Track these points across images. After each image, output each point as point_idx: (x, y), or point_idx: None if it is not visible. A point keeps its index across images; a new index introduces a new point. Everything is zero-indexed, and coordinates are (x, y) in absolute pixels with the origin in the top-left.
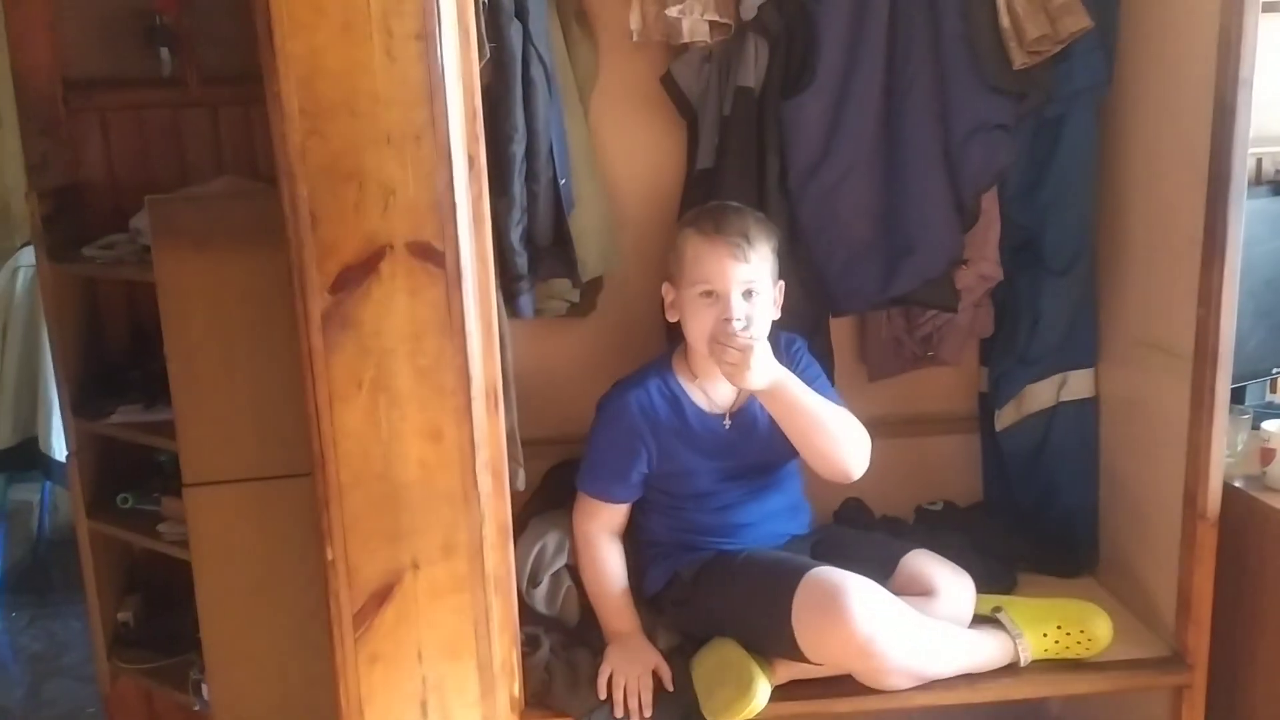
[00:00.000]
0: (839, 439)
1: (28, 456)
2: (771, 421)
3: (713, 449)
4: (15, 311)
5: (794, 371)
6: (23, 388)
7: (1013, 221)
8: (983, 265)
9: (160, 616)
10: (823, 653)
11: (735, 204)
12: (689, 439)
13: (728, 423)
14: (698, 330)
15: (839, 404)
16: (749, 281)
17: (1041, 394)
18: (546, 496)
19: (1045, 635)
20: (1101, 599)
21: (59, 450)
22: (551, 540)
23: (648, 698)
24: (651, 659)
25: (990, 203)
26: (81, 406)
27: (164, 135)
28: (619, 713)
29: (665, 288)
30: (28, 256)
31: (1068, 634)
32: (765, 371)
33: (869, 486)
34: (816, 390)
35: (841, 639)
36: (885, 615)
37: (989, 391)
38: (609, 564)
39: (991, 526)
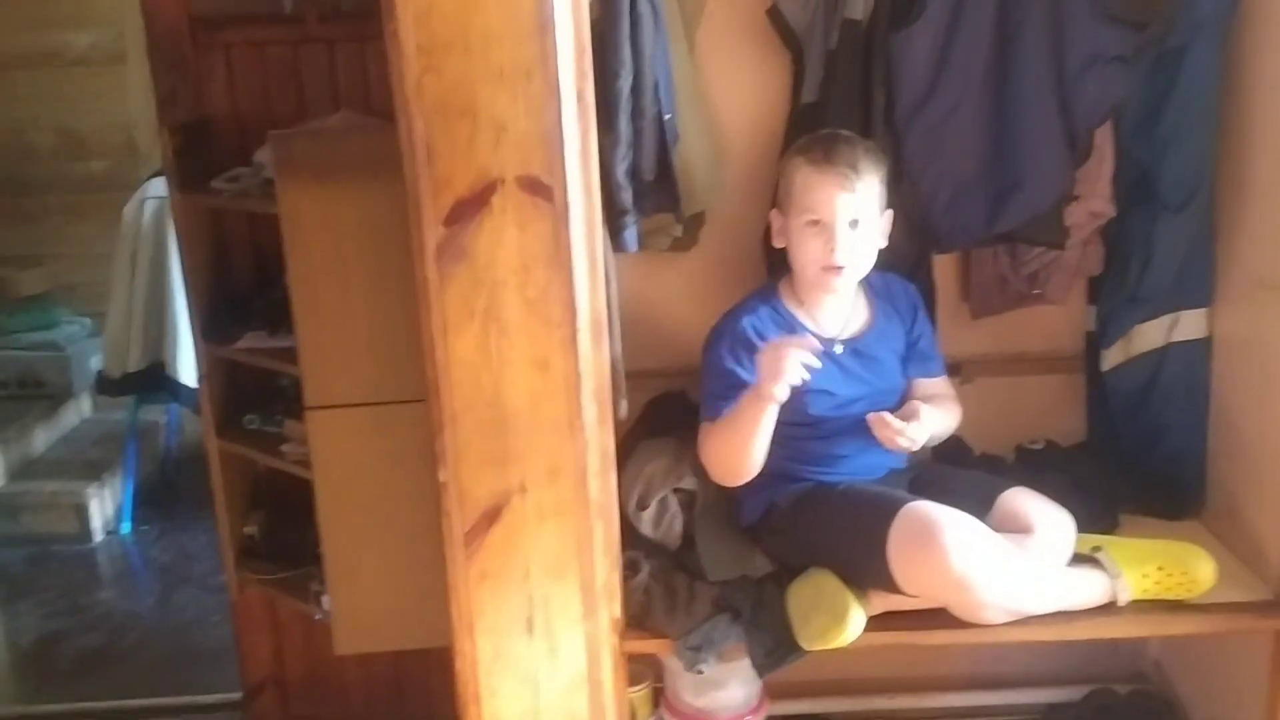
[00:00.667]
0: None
1: (156, 380)
2: (884, 353)
3: (823, 374)
4: (143, 242)
5: (911, 326)
6: (151, 315)
7: (1128, 156)
8: (1094, 201)
9: (283, 531)
10: (917, 586)
11: (846, 133)
12: None
13: (840, 349)
14: (805, 258)
15: (941, 374)
16: (855, 212)
17: (1151, 334)
18: (649, 426)
19: (1145, 576)
20: (1206, 542)
21: (185, 374)
22: (660, 465)
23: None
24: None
25: (1104, 137)
26: (210, 332)
27: (284, 71)
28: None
29: (773, 214)
30: (155, 188)
31: (1169, 574)
32: (918, 445)
33: (969, 425)
34: (926, 357)
35: (937, 573)
36: (980, 550)
37: (1096, 330)
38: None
39: (1094, 466)
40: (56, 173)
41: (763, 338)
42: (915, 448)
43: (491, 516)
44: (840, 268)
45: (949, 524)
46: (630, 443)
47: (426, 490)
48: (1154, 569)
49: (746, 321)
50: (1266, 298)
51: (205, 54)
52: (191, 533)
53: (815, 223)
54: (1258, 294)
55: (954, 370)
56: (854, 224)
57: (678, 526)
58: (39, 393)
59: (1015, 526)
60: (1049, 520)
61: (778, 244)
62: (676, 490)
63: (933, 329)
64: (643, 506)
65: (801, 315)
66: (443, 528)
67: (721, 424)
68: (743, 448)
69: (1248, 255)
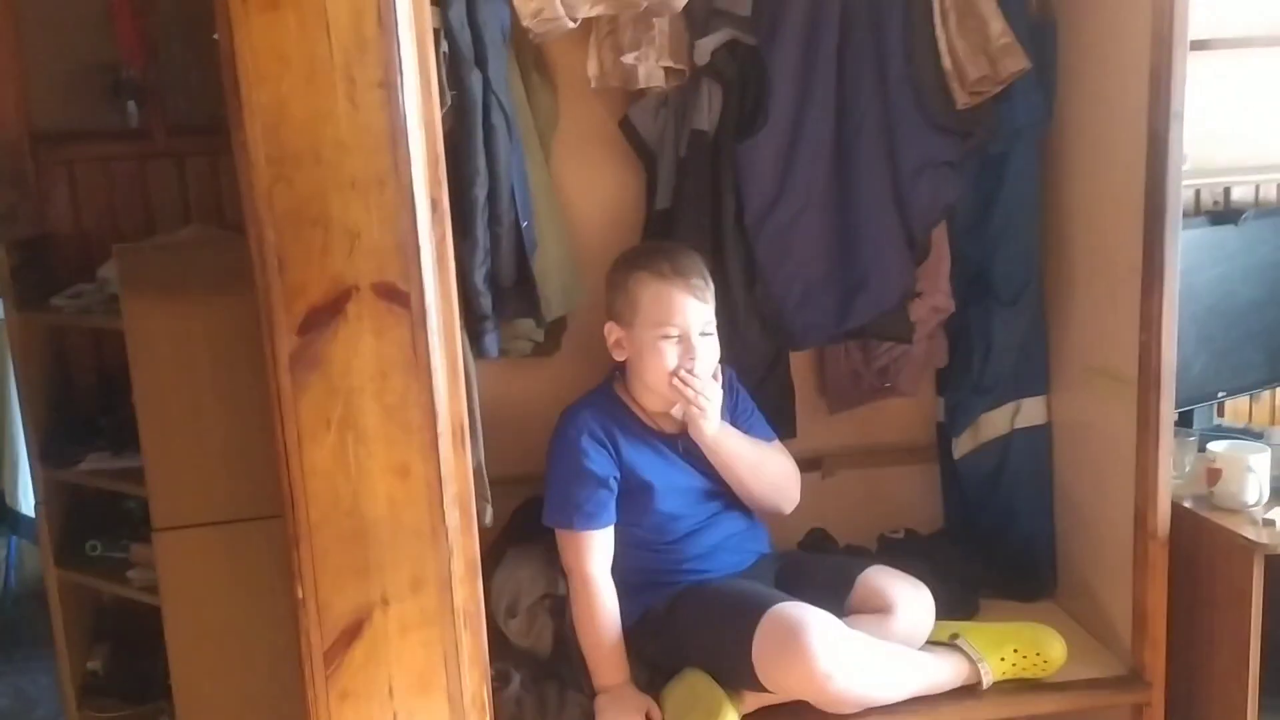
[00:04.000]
0: (773, 484)
1: None
2: None
3: (668, 471)
4: None
5: (732, 404)
6: None
7: (963, 254)
8: (935, 297)
9: (130, 664)
10: (783, 686)
11: (672, 244)
12: (646, 446)
13: (680, 445)
14: (658, 371)
15: (771, 439)
16: (707, 322)
17: (997, 421)
18: (514, 534)
19: (1003, 659)
20: (1061, 621)
21: (25, 504)
22: (529, 572)
23: None
24: (643, 706)
25: (940, 237)
26: (49, 455)
27: (131, 186)
28: None
29: (609, 327)
30: None
31: (1024, 656)
32: (715, 420)
33: (832, 516)
34: (752, 425)
35: (801, 675)
36: (844, 651)
37: (946, 420)
38: (609, 612)
39: (953, 553)
40: None
41: (605, 427)
42: (709, 428)
43: (352, 632)
44: (696, 376)
45: (813, 627)
46: (498, 549)
47: (283, 612)
48: (1010, 651)
49: (587, 414)
50: (1096, 383)
51: (47, 170)
52: (30, 674)
53: (669, 335)
54: (1089, 380)
55: (815, 464)
56: (704, 334)
57: (548, 634)
58: None
59: (876, 605)
60: (908, 597)
61: (618, 357)
62: (546, 596)
63: (761, 416)
64: (512, 614)
65: (638, 412)
66: (301, 647)
67: (586, 628)
68: (585, 646)
69: (1077, 344)
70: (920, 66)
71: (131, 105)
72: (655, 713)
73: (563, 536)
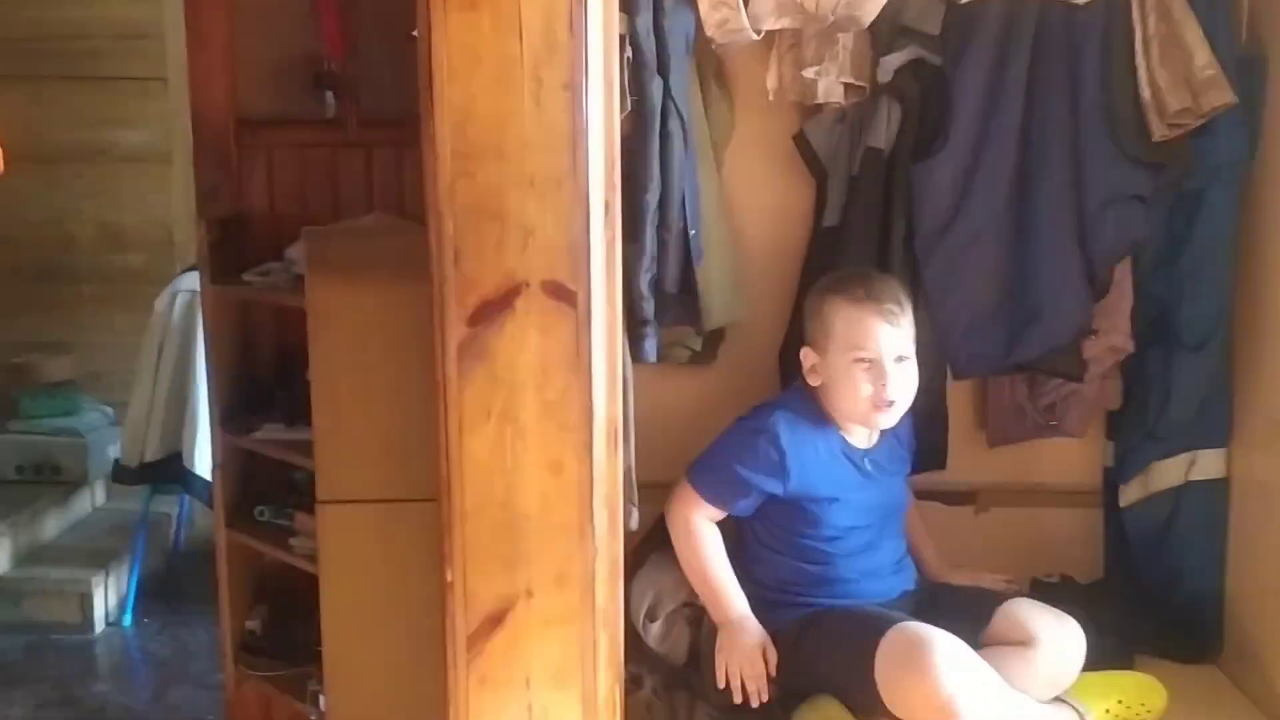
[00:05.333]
0: None
1: (171, 470)
2: (895, 465)
3: (849, 482)
4: (171, 333)
5: (898, 448)
6: (172, 406)
7: (1147, 294)
8: (1113, 336)
9: (286, 627)
10: (907, 709)
11: (875, 270)
12: (834, 458)
13: (868, 465)
14: (853, 395)
15: (910, 501)
16: (901, 347)
17: (1170, 472)
18: (657, 542)
19: (1108, 711)
20: (1224, 688)
21: (200, 466)
22: (672, 578)
23: (762, 684)
24: (760, 633)
25: (1123, 274)
26: (229, 422)
27: (322, 172)
28: (737, 699)
29: (805, 352)
30: (186, 282)
31: (1128, 707)
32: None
33: (982, 554)
34: (901, 472)
35: (923, 695)
36: (968, 676)
37: (1114, 466)
38: (715, 547)
39: (1111, 604)
40: (94, 264)
41: (795, 433)
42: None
43: (495, 620)
44: (892, 403)
45: (938, 645)
46: (642, 553)
47: (432, 593)
48: (1114, 702)
49: (780, 415)
50: None
51: (248, 153)
52: (192, 628)
53: (862, 360)
54: (1276, 437)
55: (967, 498)
56: (899, 359)
57: (685, 642)
58: (55, 479)
59: (1018, 637)
60: (1053, 630)
61: (814, 382)
62: (686, 604)
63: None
64: (651, 619)
65: (831, 424)
66: (446, 630)
67: (695, 566)
68: (698, 583)
69: (1266, 398)
70: (1116, 95)
71: (329, 96)
72: (770, 652)
73: (688, 491)
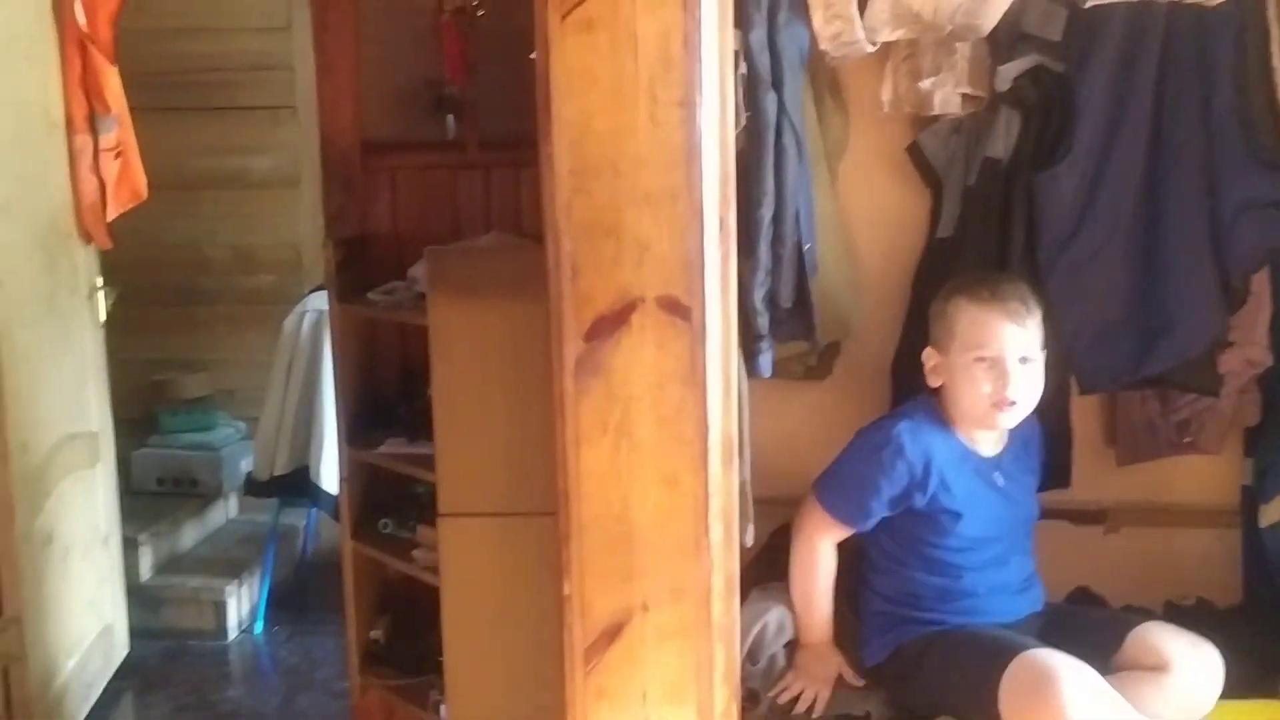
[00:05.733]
0: None
1: (299, 484)
2: (1024, 476)
3: (978, 492)
4: (299, 351)
5: (1025, 459)
6: (300, 421)
7: None
8: (1250, 349)
9: (408, 637)
10: None
11: (998, 273)
12: (963, 468)
13: (999, 478)
14: (974, 395)
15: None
16: (1025, 348)
17: None
18: (772, 558)
19: None
20: None
21: (327, 480)
22: (773, 619)
23: (820, 706)
24: (836, 668)
25: (1261, 283)
26: (354, 437)
27: (442, 193)
28: (801, 708)
29: (928, 353)
30: (314, 301)
31: None
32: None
33: (1111, 575)
34: (1030, 490)
35: None
36: (1098, 708)
37: (1254, 484)
38: (827, 575)
39: (1251, 630)
40: (227, 285)
41: (921, 445)
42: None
43: (612, 633)
44: (1013, 403)
45: (1066, 675)
46: (746, 583)
47: (550, 606)
48: None
49: (903, 426)
50: None
51: (372, 176)
52: (319, 637)
53: (984, 359)
54: None
55: (1095, 518)
56: (1023, 360)
57: None
58: (192, 491)
59: (1151, 662)
60: (1189, 655)
61: (934, 383)
62: (790, 644)
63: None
64: (753, 661)
65: (958, 433)
66: (564, 642)
67: (803, 586)
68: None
69: None
70: (1251, 98)
71: (450, 119)
72: (847, 671)
73: (816, 508)
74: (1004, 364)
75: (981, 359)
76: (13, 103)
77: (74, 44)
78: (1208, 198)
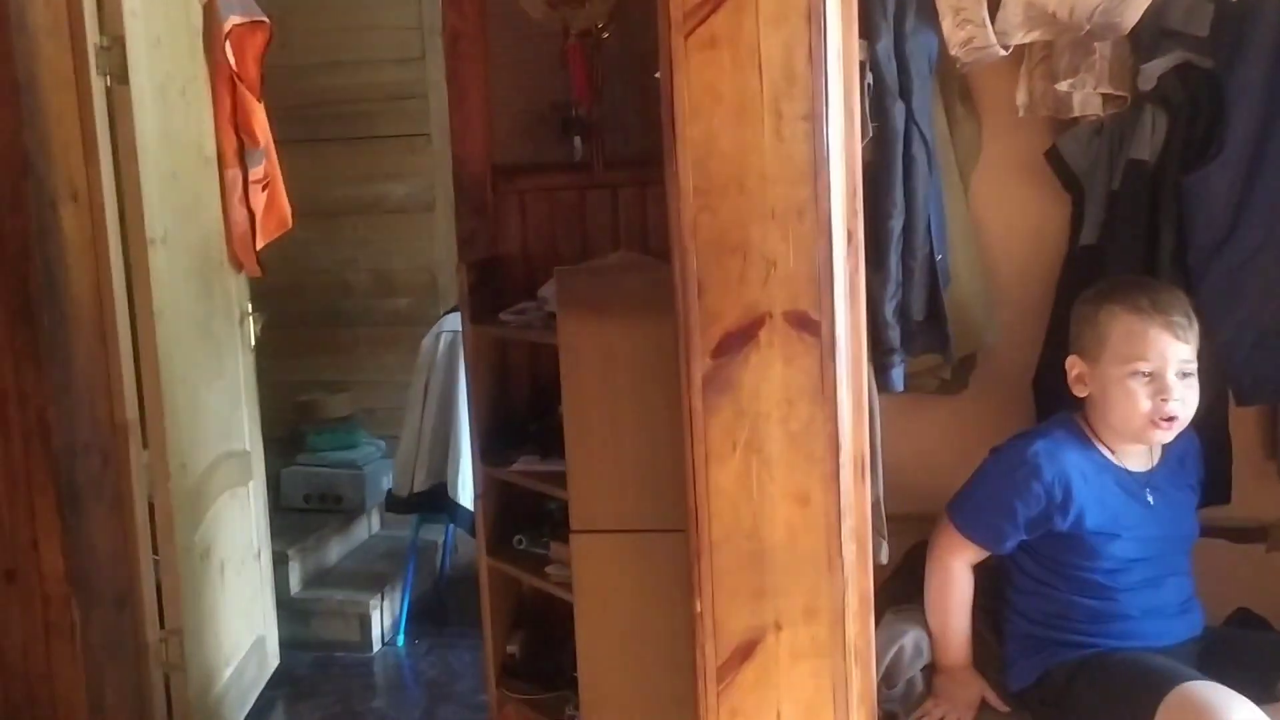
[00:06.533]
0: None
1: (437, 500)
2: (1180, 491)
3: (1132, 508)
4: (436, 371)
5: (1181, 473)
6: (437, 439)
7: None
8: None
9: (543, 652)
10: None
11: (1152, 279)
12: (1110, 486)
13: (1150, 497)
14: (1130, 409)
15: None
16: (1185, 362)
17: None
18: (907, 577)
19: None
20: None
21: (463, 496)
22: (909, 641)
23: None
24: (978, 692)
25: None
26: (488, 454)
27: (570, 214)
28: None
29: (1072, 360)
30: (449, 323)
31: None
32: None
33: (1273, 598)
34: (1187, 507)
35: None
36: None
37: None
38: (963, 597)
39: None
40: (367, 308)
41: (1057, 465)
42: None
43: (745, 652)
44: (1174, 418)
45: (1226, 711)
46: (881, 603)
47: (681, 623)
48: None
49: (1040, 446)
50: None
51: (503, 199)
52: (457, 650)
53: (1142, 373)
54: None
55: (1257, 535)
56: (1183, 374)
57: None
58: (337, 507)
59: None
60: None
61: (1080, 392)
62: (929, 667)
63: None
64: (889, 684)
65: (1103, 448)
66: (696, 660)
67: (938, 607)
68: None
69: None
70: None
71: (577, 141)
72: (991, 695)
73: (952, 534)
74: (1164, 378)
75: (1139, 373)
76: (170, 140)
77: (224, 82)
78: None
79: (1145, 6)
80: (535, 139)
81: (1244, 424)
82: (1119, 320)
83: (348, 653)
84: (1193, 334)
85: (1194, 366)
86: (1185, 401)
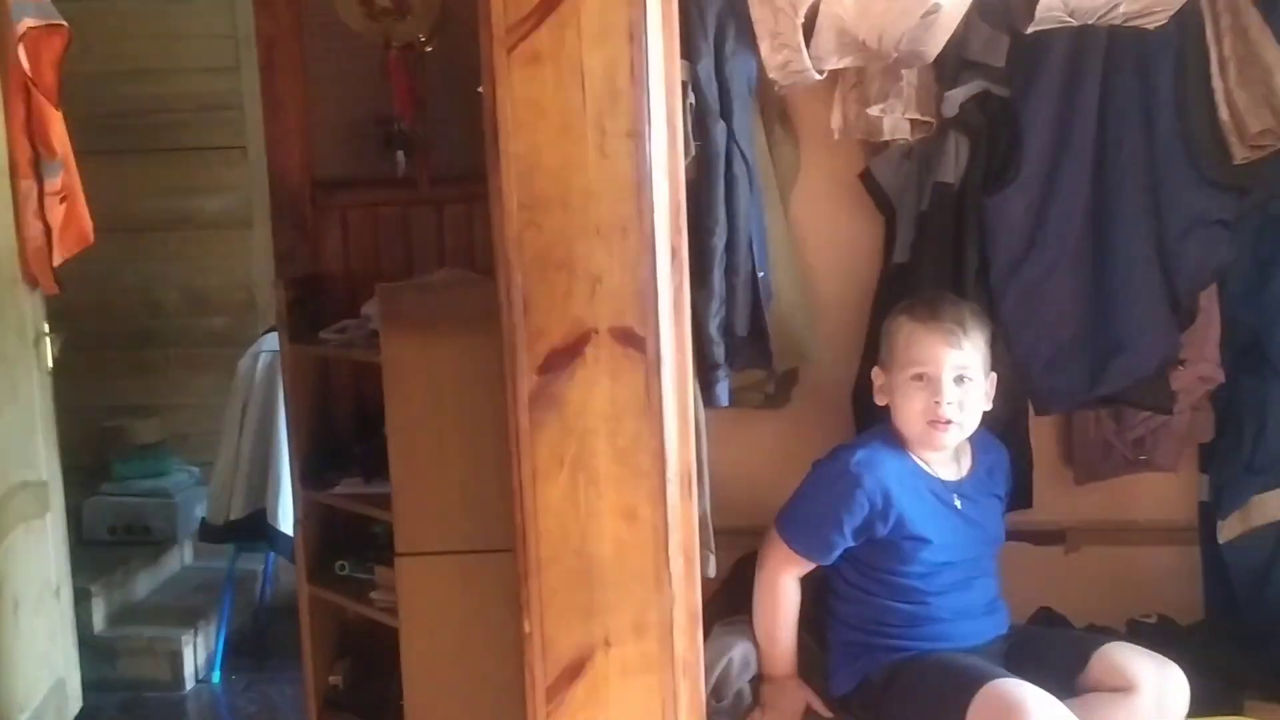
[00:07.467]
0: None
1: (256, 528)
2: (988, 499)
3: (943, 514)
4: (254, 393)
5: (989, 483)
6: (255, 464)
7: (1235, 321)
8: (1201, 366)
9: (368, 681)
10: None
11: (951, 294)
12: (923, 493)
13: (958, 502)
14: (910, 412)
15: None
16: (962, 368)
17: (1270, 505)
18: (735, 590)
19: None
20: None
21: (284, 523)
22: (738, 654)
23: None
24: (803, 700)
25: (1210, 301)
26: (309, 478)
27: (394, 230)
28: None
29: (875, 372)
30: (267, 343)
31: None
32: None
33: (1073, 595)
34: (994, 514)
35: None
36: None
37: (1211, 500)
38: (791, 610)
39: (1215, 646)
40: (179, 328)
41: (877, 475)
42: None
43: (575, 671)
44: (947, 421)
45: (1032, 709)
46: (709, 617)
47: (511, 644)
48: None
49: (859, 456)
50: None
51: (324, 215)
52: (278, 684)
53: (920, 377)
54: None
55: (1056, 538)
56: (959, 380)
57: None
58: (145, 539)
59: (1116, 683)
60: (1154, 675)
61: (880, 401)
62: (753, 680)
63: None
64: (718, 698)
65: (915, 458)
66: (525, 681)
67: (765, 621)
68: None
69: None
70: (1193, 119)
71: (400, 155)
72: (816, 702)
73: (778, 543)
74: (939, 382)
75: (918, 376)
76: None
77: (18, 89)
78: (1154, 218)
79: (947, 37)
80: (357, 153)
81: (1043, 433)
82: (904, 329)
83: (158, 692)
84: (969, 343)
85: (975, 374)
86: (962, 406)
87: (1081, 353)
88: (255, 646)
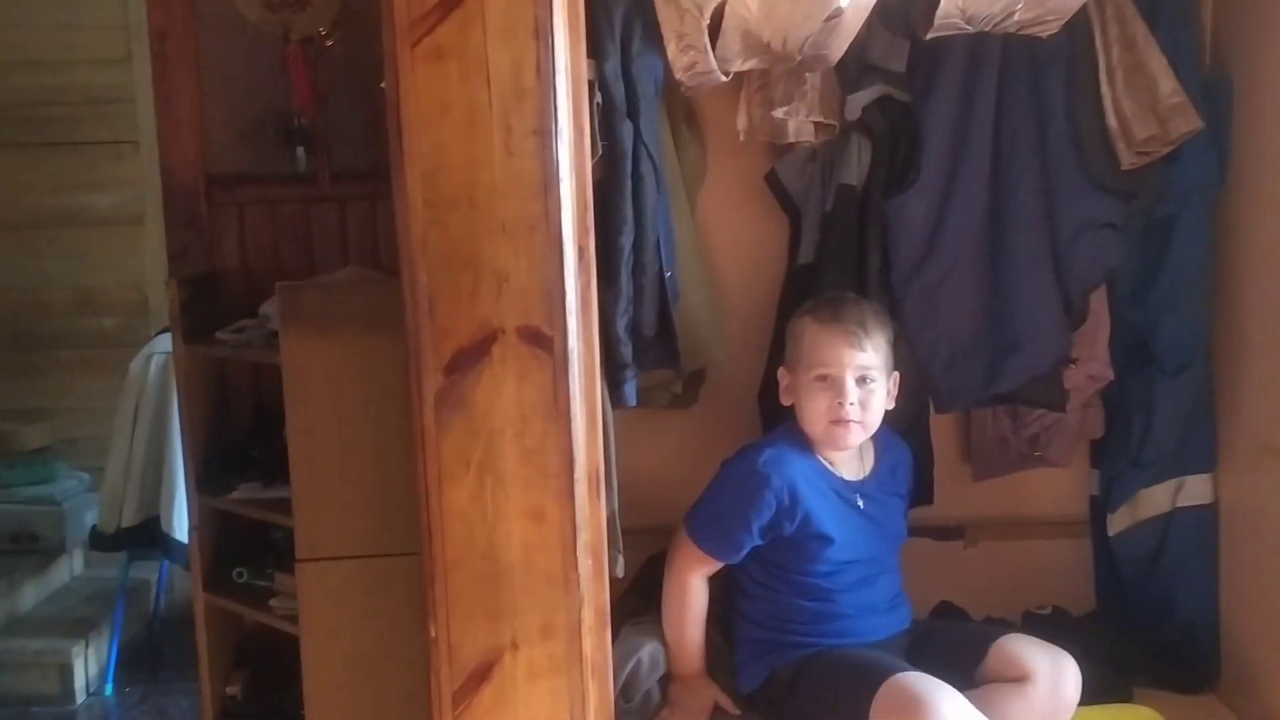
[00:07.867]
0: None
1: (150, 536)
2: (890, 498)
3: (846, 514)
4: (146, 396)
5: (891, 483)
6: (149, 469)
7: (1124, 321)
8: (1092, 365)
9: (267, 692)
10: None
11: (853, 295)
12: (827, 493)
13: (860, 501)
14: (814, 412)
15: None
16: (864, 368)
17: (1156, 499)
18: (643, 590)
19: None
20: (1223, 717)
21: (179, 530)
22: (646, 654)
23: None
24: (711, 697)
25: (1100, 302)
26: (205, 483)
27: (295, 228)
28: None
29: (781, 372)
30: (161, 344)
31: None
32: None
33: (972, 589)
34: (896, 512)
35: None
36: None
37: (1100, 495)
38: (700, 609)
39: (1105, 635)
40: (67, 329)
41: (784, 474)
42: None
43: (481, 675)
44: (849, 421)
45: (935, 700)
46: (618, 616)
47: (416, 650)
48: None
49: (768, 455)
50: (1271, 462)
51: (220, 212)
52: (174, 696)
53: (823, 377)
54: (1262, 459)
55: (955, 533)
56: (862, 380)
57: None
58: (32, 548)
59: (1013, 673)
60: (1049, 665)
61: (785, 401)
62: (662, 680)
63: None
64: (627, 698)
65: (819, 458)
66: (431, 687)
67: (673, 620)
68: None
69: (1249, 420)
70: (1083, 125)
71: (300, 151)
72: (724, 700)
73: (687, 543)
74: (841, 382)
75: (821, 377)
76: None
77: None
78: (1047, 220)
79: (849, 41)
80: (255, 148)
81: (943, 431)
82: (808, 330)
83: (46, 707)
84: (871, 343)
85: (877, 375)
86: (864, 406)
87: (979, 352)
88: (150, 658)
